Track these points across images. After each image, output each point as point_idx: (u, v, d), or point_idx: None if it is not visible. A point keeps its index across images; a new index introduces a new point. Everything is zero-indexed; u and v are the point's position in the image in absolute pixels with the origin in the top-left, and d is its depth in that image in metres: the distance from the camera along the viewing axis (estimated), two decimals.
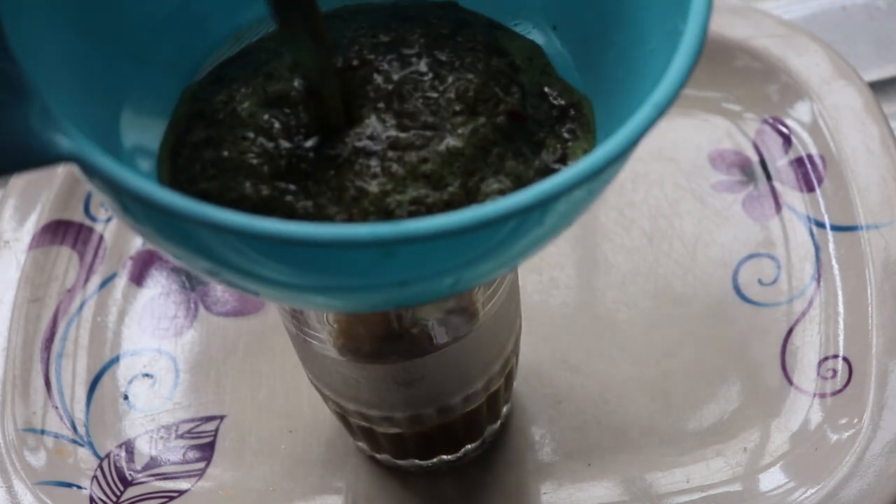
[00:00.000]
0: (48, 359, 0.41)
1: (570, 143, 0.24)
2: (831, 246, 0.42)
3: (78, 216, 0.45)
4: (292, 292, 0.22)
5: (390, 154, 0.23)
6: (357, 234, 0.18)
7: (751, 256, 0.43)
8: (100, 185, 0.19)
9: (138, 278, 0.44)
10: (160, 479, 0.38)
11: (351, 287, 0.21)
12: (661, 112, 0.20)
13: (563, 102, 0.25)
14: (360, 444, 0.37)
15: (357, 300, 0.22)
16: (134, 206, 0.19)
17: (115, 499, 0.38)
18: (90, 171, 0.19)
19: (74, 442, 0.39)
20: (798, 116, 0.46)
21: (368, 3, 0.27)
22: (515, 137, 0.24)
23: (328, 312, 0.29)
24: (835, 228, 0.42)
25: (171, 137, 0.25)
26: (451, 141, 0.23)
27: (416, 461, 0.37)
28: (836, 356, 0.39)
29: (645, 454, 0.38)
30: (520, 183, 0.23)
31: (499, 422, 0.38)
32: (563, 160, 0.24)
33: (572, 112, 0.25)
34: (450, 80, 0.24)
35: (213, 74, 0.26)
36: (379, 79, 0.24)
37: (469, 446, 0.37)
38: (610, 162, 0.19)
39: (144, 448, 0.39)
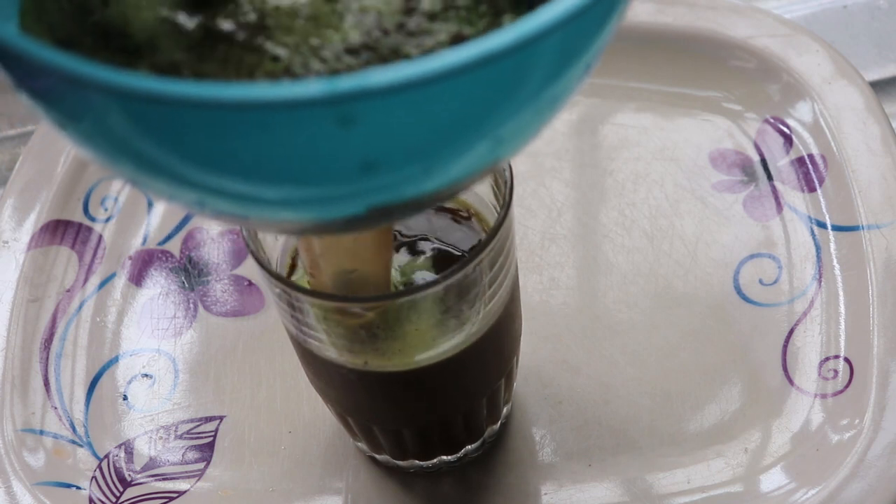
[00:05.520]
0: (47, 359, 0.41)
1: None
2: (832, 246, 0.42)
3: (77, 216, 0.45)
4: (227, 196, 0.18)
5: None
6: (307, 91, 0.14)
7: (752, 256, 0.42)
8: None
9: (137, 278, 0.44)
10: (159, 480, 0.38)
11: (301, 174, 0.17)
12: None
13: None
14: (360, 444, 0.37)
15: (314, 199, 0.18)
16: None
17: (114, 499, 0.38)
18: None
19: (73, 442, 0.39)
20: (799, 116, 0.45)
21: None
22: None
23: (322, 309, 0.29)
24: (836, 228, 0.42)
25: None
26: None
27: (416, 462, 0.37)
28: (837, 356, 0.39)
29: (646, 455, 0.38)
30: None
31: (499, 422, 0.38)
32: None
33: None
34: None
35: None
36: None
37: (469, 447, 0.37)
38: None
39: (144, 448, 0.39)
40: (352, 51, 0.19)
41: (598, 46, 0.19)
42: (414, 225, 0.33)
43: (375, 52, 0.19)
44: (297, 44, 0.19)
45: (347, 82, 0.14)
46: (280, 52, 0.19)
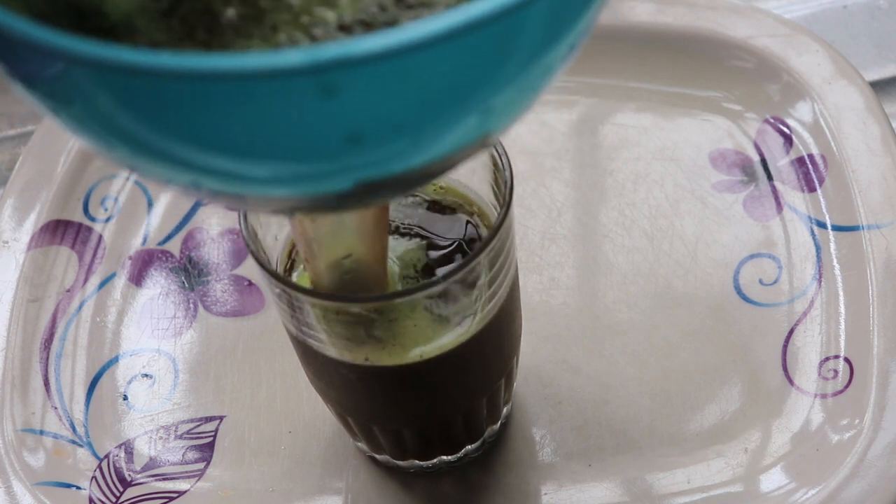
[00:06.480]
0: (47, 359, 0.41)
1: None
2: (832, 246, 0.42)
3: (77, 216, 0.45)
4: (216, 173, 0.17)
5: None
6: (286, 60, 0.14)
7: (752, 256, 0.42)
8: None
9: (137, 278, 0.44)
10: (159, 480, 0.38)
11: (284, 147, 0.16)
12: None
13: None
14: (360, 444, 0.37)
15: (300, 174, 0.18)
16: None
17: (114, 499, 0.38)
18: None
19: (73, 442, 0.39)
20: (799, 116, 0.45)
21: None
22: None
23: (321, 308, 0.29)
24: (836, 228, 0.42)
25: None
26: None
27: (416, 461, 0.37)
28: (837, 356, 0.39)
29: (646, 455, 0.38)
30: None
31: (499, 422, 0.38)
32: None
33: None
34: None
35: None
36: None
37: (469, 447, 0.37)
38: None
39: (144, 448, 0.39)
40: (345, 27, 0.19)
41: (588, 17, 0.18)
42: (414, 223, 0.33)
43: (371, 28, 0.19)
44: (286, 22, 0.19)
45: (328, 51, 0.14)
46: (268, 31, 0.19)
